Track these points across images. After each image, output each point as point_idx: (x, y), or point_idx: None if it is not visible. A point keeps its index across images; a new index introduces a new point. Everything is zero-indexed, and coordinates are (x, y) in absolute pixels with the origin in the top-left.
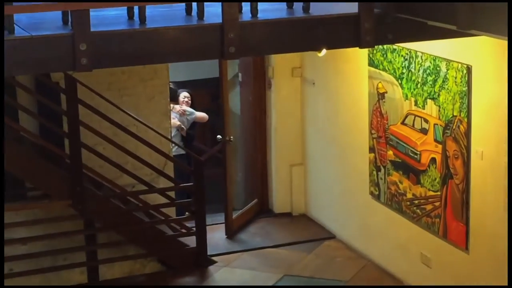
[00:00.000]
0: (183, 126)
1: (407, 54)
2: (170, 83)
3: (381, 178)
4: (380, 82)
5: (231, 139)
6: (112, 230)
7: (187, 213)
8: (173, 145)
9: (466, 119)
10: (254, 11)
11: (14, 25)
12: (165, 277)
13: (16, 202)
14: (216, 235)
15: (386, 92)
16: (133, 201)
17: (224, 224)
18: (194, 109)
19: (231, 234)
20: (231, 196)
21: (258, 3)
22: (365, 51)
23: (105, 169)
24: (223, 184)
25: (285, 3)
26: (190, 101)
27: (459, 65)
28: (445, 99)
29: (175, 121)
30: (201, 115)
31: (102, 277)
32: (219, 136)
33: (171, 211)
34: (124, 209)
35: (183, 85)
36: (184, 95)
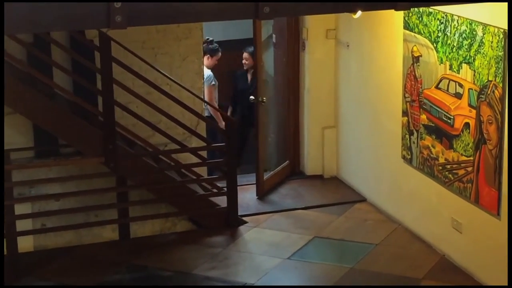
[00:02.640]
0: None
1: (443, 17)
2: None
3: (414, 142)
4: (415, 45)
5: (264, 100)
6: (143, 188)
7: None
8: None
9: (501, 84)
10: None
11: None
12: (195, 236)
13: (49, 158)
14: (247, 196)
15: (421, 56)
16: (165, 160)
17: (255, 185)
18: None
19: (262, 195)
20: (262, 157)
21: None
22: (400, 14)
23: (137, 127)
24: (255, 145)
25: None
26: (245, 62)
27: (496, 29)
28: (480, 63)
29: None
30: (214, 112)
31: (133, 235)
32: (252, 97)
33: (203, 171)
34: (156, 167)
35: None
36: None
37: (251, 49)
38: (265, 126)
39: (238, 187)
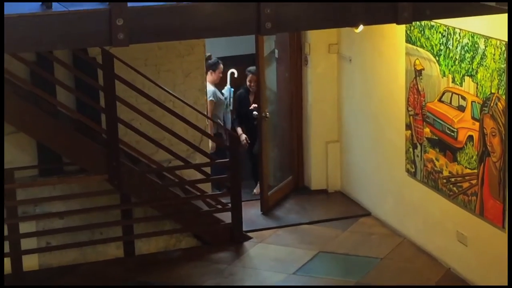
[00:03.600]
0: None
1: (445, 30)
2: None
3: (418, 156)
4: (417, 58)
5: (268, 115)
6: (148, 205)
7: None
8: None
9: (504, 96)
10: None
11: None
12: (200, 252)
13: (53, 176)
14: (251, 211)
15: (423, 69)
16: (169, 176)
17: (259, 200)
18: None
19: (266, 210)
20: (267, 172)
21: None
22: (402, 28)
23: (141, 144)
24: (259, 160)
25: None
26: (252, 85)
27: (498, 41)
28: (483, 76)
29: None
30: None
31: (138, 252)
32: (255, 113)
33: (207, 187)
34: (160, 184)
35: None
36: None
37: (254, 69)
38: (269, 141)
39: (242, 203)
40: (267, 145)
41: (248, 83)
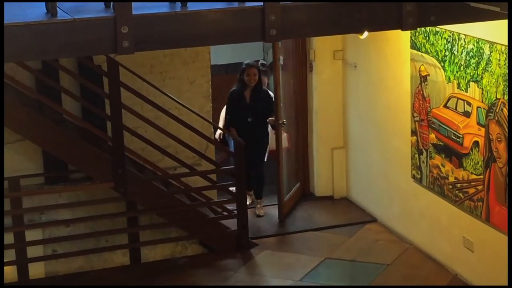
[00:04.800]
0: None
1: (449, 36)
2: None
3: (423, 162)
4: (422, 64)
5: (284, 123)
6: (154, 213)
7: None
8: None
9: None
10: None
11: (57, 8)
12: (206, 259)
13: (59, 184)
14: (257, 218)
15: (429, 75)
16: (175, 183)
17: (266, 207)
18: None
19: (283, 217)
20: (282, 179)
21: None
22: (407, 34)
23: (147, 152)
24: (276, 167)
25: None
26: (250, 79)
27: (503, 47)
28: (488, 81)
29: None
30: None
31: (144, 259)
32: (270, 120)
33: (213, 194)
34: (165, 191)
35: (224, 68)
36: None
37: (252, 62)
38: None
39: (248, 210)
40: (282, 153)
41: (246, 77)
